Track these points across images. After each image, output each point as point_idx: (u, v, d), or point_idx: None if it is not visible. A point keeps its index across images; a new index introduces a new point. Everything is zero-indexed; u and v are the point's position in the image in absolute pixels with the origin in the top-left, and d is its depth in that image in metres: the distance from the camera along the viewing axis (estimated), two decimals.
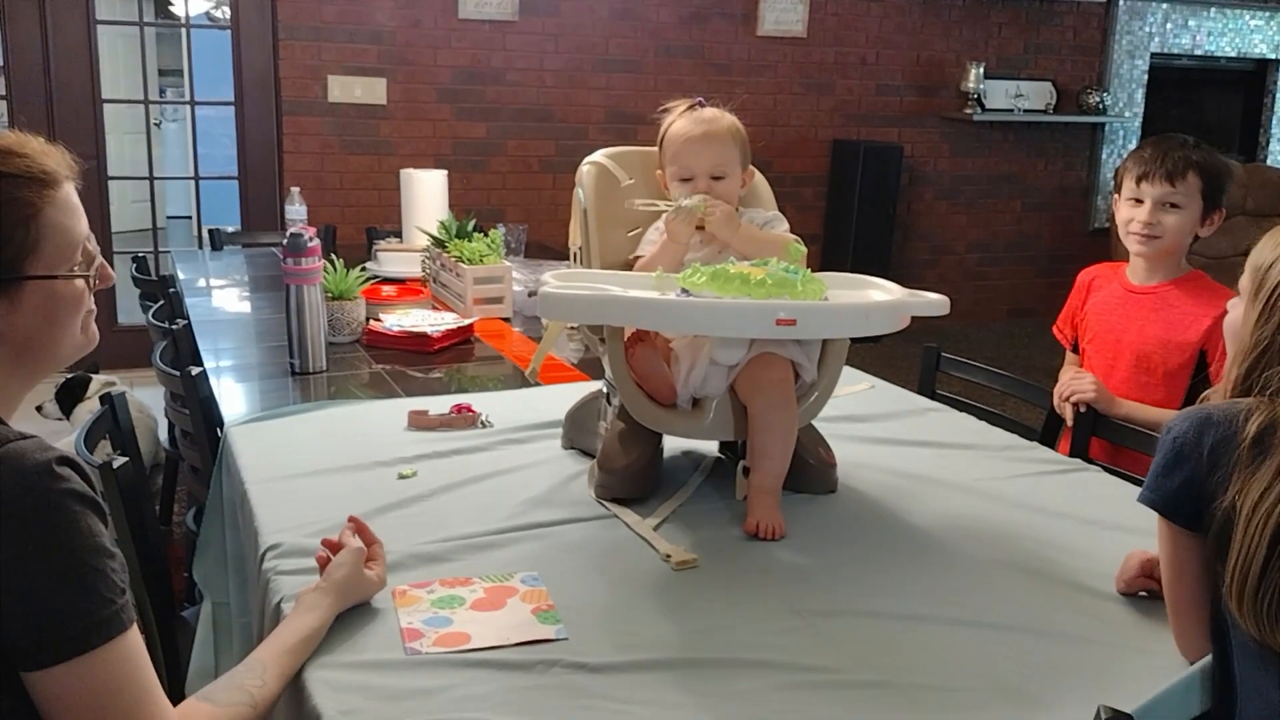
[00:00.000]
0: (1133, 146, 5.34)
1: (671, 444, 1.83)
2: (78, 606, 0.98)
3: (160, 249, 5.33)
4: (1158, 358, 2.16)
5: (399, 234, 3.61)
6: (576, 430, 1.90)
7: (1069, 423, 2.17)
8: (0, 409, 1.10)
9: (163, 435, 3.43)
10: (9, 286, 1.07)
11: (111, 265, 1.21)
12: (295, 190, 3.65)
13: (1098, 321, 2.29)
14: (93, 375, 3.52)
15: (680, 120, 1.82)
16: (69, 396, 3.45)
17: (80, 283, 1.13)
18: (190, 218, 5.70)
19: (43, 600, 0.97)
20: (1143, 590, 1.43)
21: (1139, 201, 2.15)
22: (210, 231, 4.19)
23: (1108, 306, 2.27)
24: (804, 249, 1.74)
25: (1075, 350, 2.37)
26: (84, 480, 1.02)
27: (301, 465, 1.78)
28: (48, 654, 0.97)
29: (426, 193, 3.50)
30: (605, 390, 1.81)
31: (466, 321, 2.66)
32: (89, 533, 1.00)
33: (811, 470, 1.74)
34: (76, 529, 0.99)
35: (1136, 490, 1.82)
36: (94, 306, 1.18)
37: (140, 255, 3.74)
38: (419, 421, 1.98)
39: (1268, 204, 5.74)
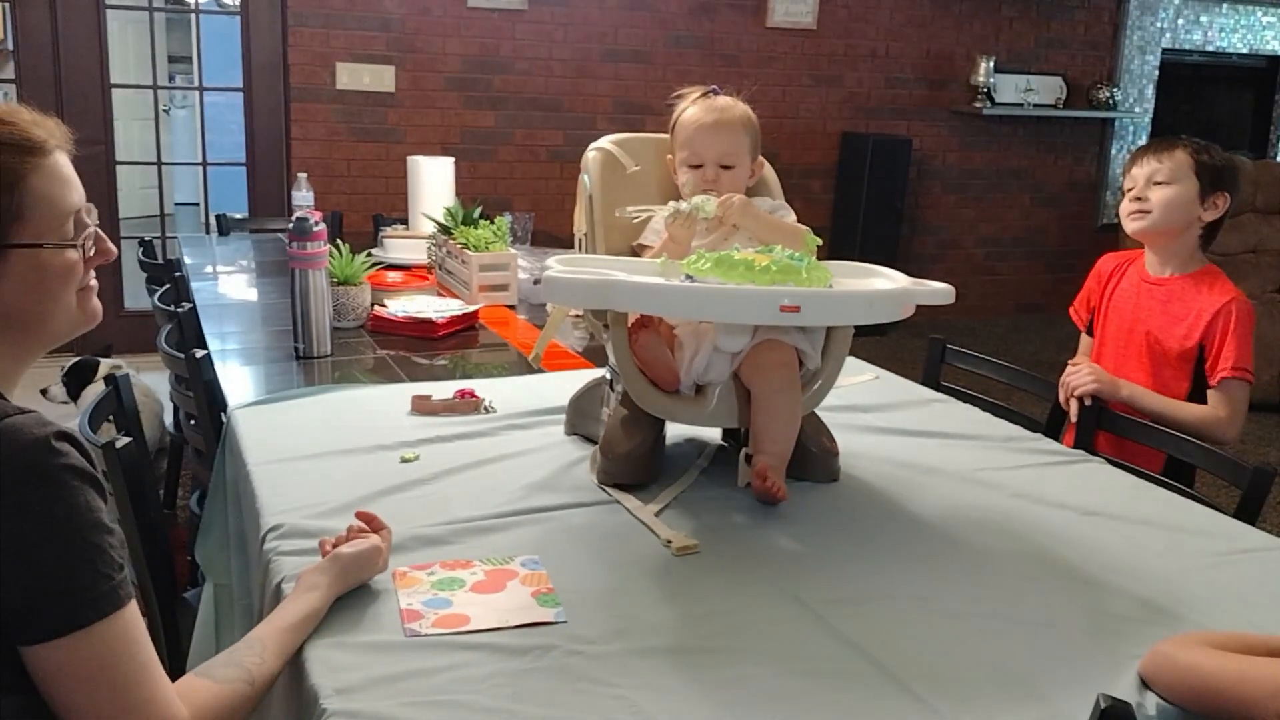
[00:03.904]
0: (1142, 142, 5.33)
1: (674, 430, 1.83)
2: (75, 582, 0.98)
3: (168, 235, 5.33)
4: (1161, 349, 2.17)
5: (405, 221, 3.61)
6: (579, 416, 1.90)
7: (1073, 419, 2.17)
8: None
9: (168, 420, 3.44)
10: None
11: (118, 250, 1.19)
12: (303, 176, 3.64)
13: (1115, 311, 2.29)
14: (101, 359, 3.51)
15: (693, 107, 1.81)
16: (77, 379, 3.44)
17: (72, 254, 1.11)
18: (198, 205, 5.70)
19: (40, 575, 0.97)
20: None
21: (1133, 189, 2.19)
22: (217, 217, 4.19)
23: (1125, 296, 2.28)
24: (819, 240, 1.73)
25: (1089, 332, 2.37)
26: (82, 455, 1.01)
27: (304, 448, 1.78)
28: (45, 628, 0.97)
29: (433, 180, 3.50)
30: (608, 376, 1.81)
31: (471, 308, 2.66)
32: (87, 508, 0.99)
33: (814, 458, 1.73)
34: (74, 504, 0.98)
35: (1141, 482, 1.83)
36: (94, 283, 1.17)
37: (147, 240, 3.74)
38: (422, 406, 1.98)
39: (1277, 201, 5.71)
